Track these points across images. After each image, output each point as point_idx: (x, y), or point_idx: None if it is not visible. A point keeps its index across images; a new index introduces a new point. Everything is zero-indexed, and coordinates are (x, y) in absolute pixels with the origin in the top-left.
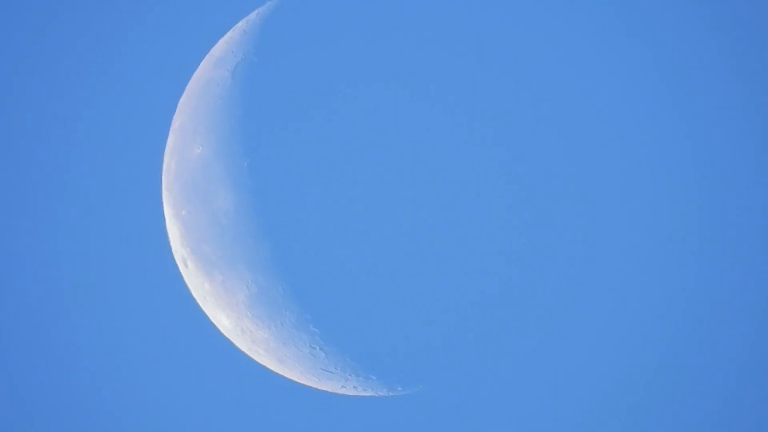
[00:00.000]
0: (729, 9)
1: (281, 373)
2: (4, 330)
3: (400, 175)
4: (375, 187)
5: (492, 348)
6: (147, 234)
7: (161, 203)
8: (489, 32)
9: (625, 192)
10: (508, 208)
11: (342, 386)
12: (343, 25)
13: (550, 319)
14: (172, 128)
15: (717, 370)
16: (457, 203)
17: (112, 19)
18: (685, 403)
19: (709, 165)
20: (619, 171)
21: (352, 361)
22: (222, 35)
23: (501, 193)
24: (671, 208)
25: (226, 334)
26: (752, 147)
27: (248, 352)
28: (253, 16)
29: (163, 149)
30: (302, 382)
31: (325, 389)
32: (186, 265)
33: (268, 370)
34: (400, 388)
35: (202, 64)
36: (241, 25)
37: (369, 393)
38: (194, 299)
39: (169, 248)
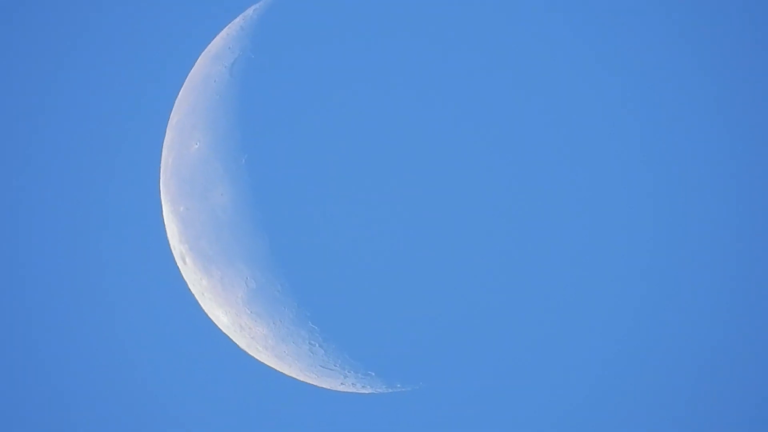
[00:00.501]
0: (729, 9)
1: (280, 369)
2: (1, 326)
3: (398, 171)
4: (374, 183)
5: (491, 345)
6: (145, 230)
7: (159, 199)
8: (489, 31)
9: (626, 192)
10: (508, 205)
11: (341, 383)
12: (340, 22)
13: (551, 318)
14: (169, 125)
15: (716, 370)
16: (456, 199)
17: (109, 16)
18: (684, 403)
19: (708, 165)
20: (620, 171)
21: (351, 358)
22: (219, 31)
23: (500, 191)
24: (672, 208)
25: (225, 331)
26: (752, 147)
27: (247, 349)
28: (250, 12)
29: (161, 146)
30: (301, 378)
31: (324, 386)
32: (184, 262)
33: (267, 366)
34: (399, 385)
35: (199, 60)
36: (238, 21)
37: (368, 390)
38: (192, 295)
39: (167, 244)
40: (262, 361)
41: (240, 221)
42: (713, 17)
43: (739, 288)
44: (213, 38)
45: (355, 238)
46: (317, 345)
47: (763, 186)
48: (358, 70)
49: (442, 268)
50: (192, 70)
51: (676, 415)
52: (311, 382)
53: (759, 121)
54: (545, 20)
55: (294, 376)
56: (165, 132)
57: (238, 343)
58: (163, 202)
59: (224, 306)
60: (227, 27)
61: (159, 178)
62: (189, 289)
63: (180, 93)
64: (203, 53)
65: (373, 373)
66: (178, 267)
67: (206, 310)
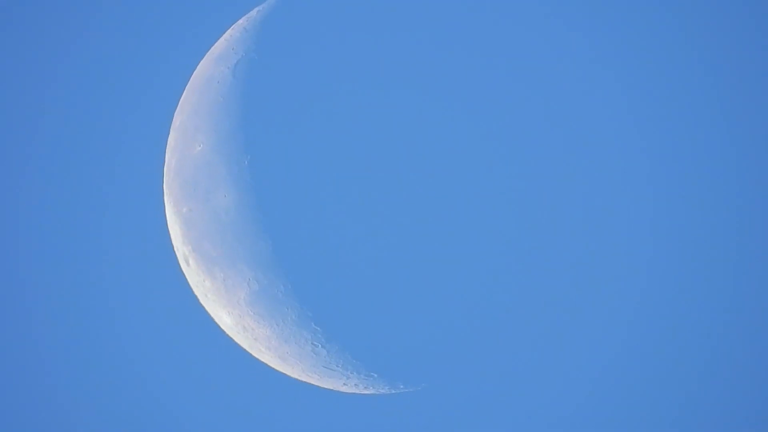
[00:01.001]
0: (728, 9)
1: (282, 370)
2: (4, 326)
3: (400, 173)
4: (376, 185)
5: (493, 346)
6: (148, 232)
7: (162, 201)
8: (490, 31)
9: (625, 193)
10: (510, 206)
11: (343, 384)
12: (343, 23)
13: (551, 317)
14: (172, 126)
15: (717, 371)
16: (457, 200)
17: (113, 18)
18: (683, 403)
19: (707, 166)
20: (619, 172)
21: (353, 359)
22: (223, 33)
23: (502, 192)
24: (671, 208)
25: (228, 332)
26: (752, 148)
27: (249, 350)
28: (253, 13)
29: (164, 147)
30: (304, 379)
31: (326, 387)
32: (187, 263)
33: (270, 367)
34: (401, 386)
35: (202, 61)
36: (241, 22)
37: (370, 391)
38: (195, 297)
39: (171, 246)
40: (265, 362)
41: (243, 223)
42: (714, 17)
43: (740, 288)
44: (216, 40)
45: (357, 240)
46: (320, 346)
47: (763, 186)
48: (361, 72)
49: (444, 270)
50: (195, 72)
51: (675, 415)
52: (314, 383)
53: (759, 121)
54: (546, 20)
55: (297, 376)
56: (168, 133)
57: (241, 344)
58: (166, 204)
59: (227, 307)
60: (230, 28)
61: (162, 180)
62: (192, 291)
63: (183, 94)
64: (206, 55)
65: (376, 374)
66: (181, 268)
67: (209, 312)
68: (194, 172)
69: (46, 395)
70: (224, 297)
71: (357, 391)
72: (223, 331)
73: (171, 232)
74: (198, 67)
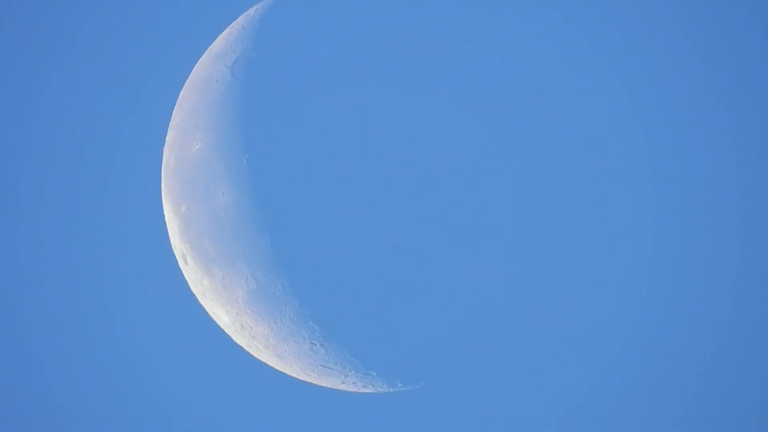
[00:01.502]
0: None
1: (281, 369)
2: (2, 323)
3: (399, 171)
4: (374, 183)
5: (491, 345)
6: (146, 230)
7: (160, 199)
8: (491, 30)
9: (626, 194)
10: (511, 206)
11: (342, 382)
12: (341, 21)
13: (552, 318)
14: (171, 124)
15: (718, 372)
16: (456, 199)
17: (111, 16)
18: (683, 403)
19: (709, 166)
20: (621, 172)
21: (352, 357)
22: (221, 31)
23: (503, 192)
24: (674, 208)
25: (226, 330)
26: (752, 149)
27: (248, 348)
28: (252, 12)
29: (163, 145)
30: (302, 378)
31: (325, 385)
32: (185, 261)
33: (268, 366)
34: (400, 385)
35: (200, 60)
36: (240, 21)
37: (369, 389)
38: (194, 295)
39: (169, 244)
40: (263, 360)
41: (241, 221)
42: (714, 17)
43: (741, 289)
44: (215, 38)
45: (355, 238)
46: (318, 344)
47: (761, 188)
48: (359, 70)
49: (442, 268)
50: (193, 70)
51: (675, 415)
52: (312, 382)
53: (760, 122)
54: (547, 20)
55: (295, 375)
56: (167, 132)
57: (239, 342)
58: (164, 202)
59: (225, 305)
60: (229, 27)
61: (160, 178)
62: (190, 289)
63: (181, 93)
64: (205, 53)
65: (374, 373)
66: (179, 267)
67: (207, 310)
68: (193, 170)
69: (43, 392)
70: (222, 295)
71: (355, 390)
72: (221, 330)
73: (169, 230)
74: (196, 65)
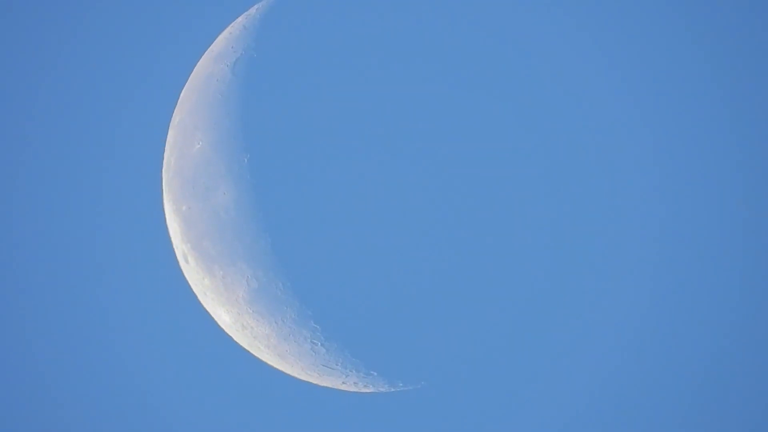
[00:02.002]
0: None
1: (282, 369)
2: (2, 323)
3: (400, 171)
4: (376, 182)
5: (493, 345)
6: (147, 230)
7: (161, 199)
8: (492, 30)
9: (628, 194)
10: (512, 206)
11: (343, 382)
12: (342, 20)
13: (553, 318)
14: (171, 124)
15: (717, 371)
16: (458, 199)
17: (112, 15)
18: (684, 403)
19: (711, 166)
20: (623, 172)
21: (353, 357)
22: (222, 31)
23: (504, 192)
24: (676, 209)
25: (227, 330)
26: (751, 149)
27: (249, 348)
28: (252, 11)
29: (163, 145)
30: (303, 378)
31: (325, 385)
32: (186, 261)
33: (269, 366)
34: (401, 384)
35: (201, 59)
36: (240, 20)
37: (370, 389)
38: (195, 295)
39: (170, 244)
40: (264, 360)
41: (242, 221)
42: (714, 17)
43: (743, 289)
44: (216, 37)
45: (356, 238)
46: (319, 344)
47: (761, 188)
48: (360, 70)
49: (444, 268)
50: (194, 69)
51: (675, 415)
52: (313, 382)
53: (761, 122)
54: (548, 19)
55: (296, 375)
56: (167, 131)
57: (240, 342)
58: (165, 202)
59: (226, 305)
60: (230, 26)
61: (161, 178)
62: (191, 289)
63: (182, 92)
64: (206, 52)
65: (375, 373)
66: (180, 266)
67: (208, 310)
68: (193, 170)
69: (43, 392)
70: (223, 295)
71: (356, 390)
72: (222, 330)
73: (170, 230)
74: (197, 65)
